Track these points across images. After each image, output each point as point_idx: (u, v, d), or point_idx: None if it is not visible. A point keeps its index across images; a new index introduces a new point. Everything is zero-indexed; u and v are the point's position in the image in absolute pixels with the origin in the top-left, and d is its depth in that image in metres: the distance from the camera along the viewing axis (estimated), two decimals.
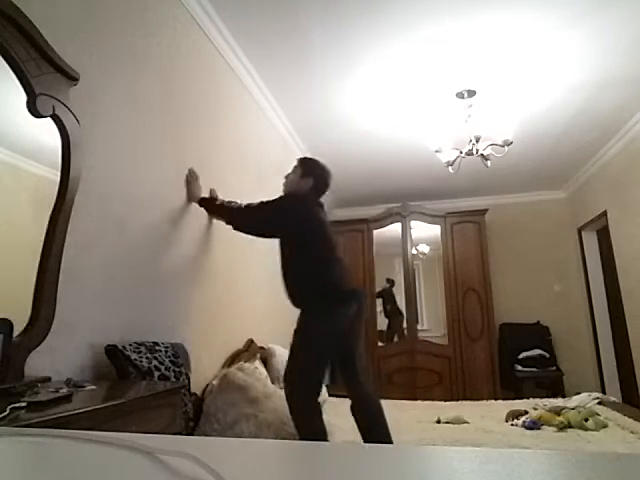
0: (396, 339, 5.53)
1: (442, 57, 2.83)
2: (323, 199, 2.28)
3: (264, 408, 2.09)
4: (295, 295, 2.07)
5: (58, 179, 1.30)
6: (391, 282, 5.63)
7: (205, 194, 2.30)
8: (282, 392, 2.43)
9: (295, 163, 2.30)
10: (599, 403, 2.83)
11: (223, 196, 2.60)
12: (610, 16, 2.44)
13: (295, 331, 2.02)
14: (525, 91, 3.24)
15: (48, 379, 1.17)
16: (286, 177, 2.31)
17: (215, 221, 2.47)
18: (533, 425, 2.42)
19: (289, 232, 2.10)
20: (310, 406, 1.91)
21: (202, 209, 2.32)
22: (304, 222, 2.09)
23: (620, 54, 2.79)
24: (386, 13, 2.41)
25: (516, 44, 2.69)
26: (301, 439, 1.86)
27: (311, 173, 2.22)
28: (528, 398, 3.27)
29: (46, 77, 1.24)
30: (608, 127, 3.87)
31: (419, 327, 5.19)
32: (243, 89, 2.96)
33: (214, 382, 2.16)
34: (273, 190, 3.50)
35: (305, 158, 2.39)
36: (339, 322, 1.97)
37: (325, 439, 1.87)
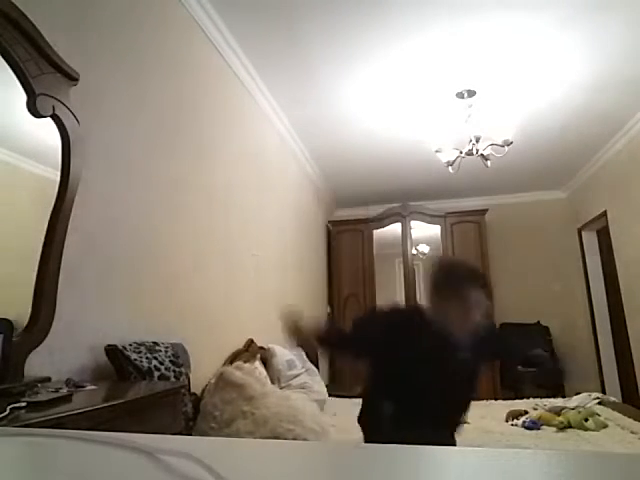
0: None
1: (442, 57, 2.83)
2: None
3: (261, 405, 2.09)
4: None
5: (58, 179, 1.30)
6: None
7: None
8: (280, 391, 2.43)
9: (433, 284, 1.57)
10: (599, 403, 2.83)
11: (223, 196, 2.60)
12: (609, 16, 2.44)
13: None
14: (525, 91, 3.24)
15: (48, 379, 1.17)
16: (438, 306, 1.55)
17: (214, 222, 2.47)
18: (533, 425, 2.42)
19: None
20: None
21: (202, 208, 2.32)
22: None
23: (619, 54, 2.79)
24: (387, 16, 2.41)
25: (515, 45, 2.69)
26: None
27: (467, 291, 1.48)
28: (528, 398, 3.26)
29: (46, 77, 1.24)
30: (608, 127, 3.87)
31: None
32: (243, 89, 2.96)
33: (212, 381, 2.17)
34: (273, 189, 3.51)
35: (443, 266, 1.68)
36: None
37: None
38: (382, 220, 5.38)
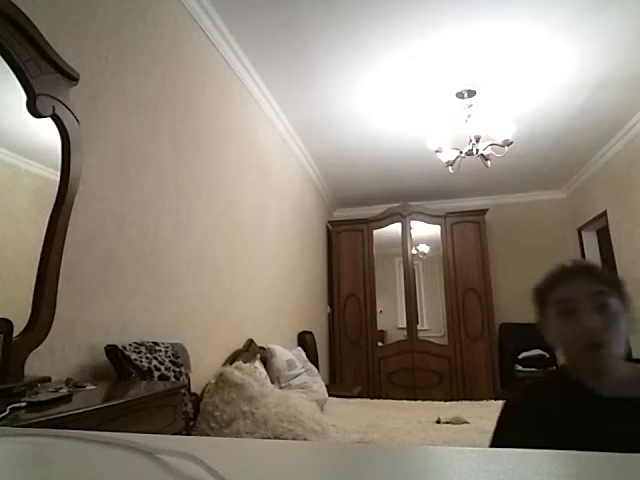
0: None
1: (443, 58, 2.83)
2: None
3: (261, 405, 2.09)
4: None
5: (58, 179, 1.30)
6: None
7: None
8: (280, 391, 2.43)
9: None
10: None
11: (224, 195, 2.60)
12: (606, 18, 2.44)
13: None
14: (525, 91, 3.24)
15: (48, 379, 1.17)
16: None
17: (215, 221, 2.48)
18: None
19: None
20: None
21: (202, 208, 2.32)
22: None
23: (619, 54, 2.79)
24: (390, 20, 2.42)
25: (515, 45, 2.69)
26: None
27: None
28: None
29: (46, 77, 1.24)
30: (608, 127, 3.88)
31: (419, 327, 5.19)
32: (243, 89, 2.96)
33: (212, 381, 2.17)
34: (274, 190, 3.51)
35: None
36: None
37: None
38: (382, 220, 5.38)
